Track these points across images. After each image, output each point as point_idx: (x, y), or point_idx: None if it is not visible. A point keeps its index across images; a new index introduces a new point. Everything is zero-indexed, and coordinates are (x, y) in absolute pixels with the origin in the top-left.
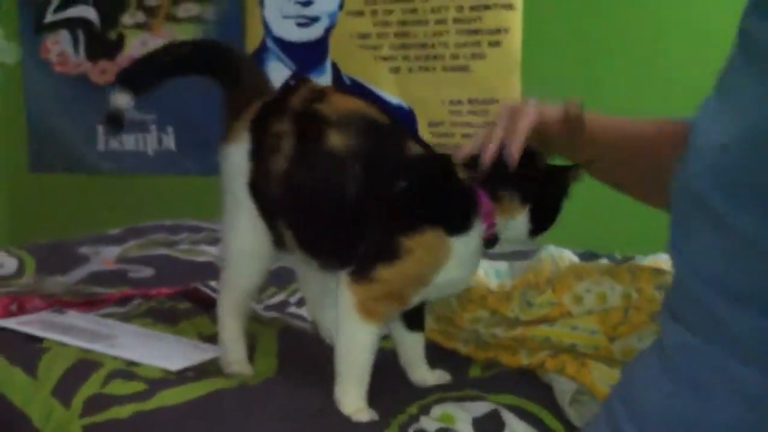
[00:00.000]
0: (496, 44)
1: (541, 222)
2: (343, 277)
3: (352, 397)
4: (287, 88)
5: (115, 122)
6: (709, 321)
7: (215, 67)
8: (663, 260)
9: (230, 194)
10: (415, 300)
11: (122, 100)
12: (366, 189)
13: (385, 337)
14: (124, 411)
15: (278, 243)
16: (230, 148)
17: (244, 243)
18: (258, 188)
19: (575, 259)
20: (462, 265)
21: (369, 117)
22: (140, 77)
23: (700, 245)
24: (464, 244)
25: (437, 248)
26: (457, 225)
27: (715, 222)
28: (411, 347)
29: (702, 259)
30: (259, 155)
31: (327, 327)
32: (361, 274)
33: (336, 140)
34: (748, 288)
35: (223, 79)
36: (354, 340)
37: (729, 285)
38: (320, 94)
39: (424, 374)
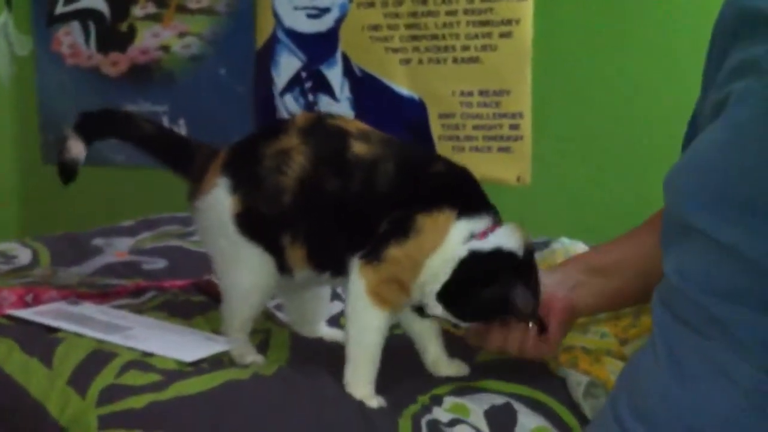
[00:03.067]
0: (507, 35)
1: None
2: (355, 262)
3: (360, 383)
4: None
5: (69, 173)
6: (705, 319)
7: (171, 159)
8: None
9: (221, 239)
10: (413, 293)
11: (77, 149)
12: (395, 183)
13: (396, 325)
14: (140, 401)
15: (282, 267)
16: (205, 197)
17: (250, 277)
18: (253, 213)
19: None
20: (443, 261)
21: (381, 133)
22: (98, 130)
23: (689, 255)
24: (455, 235)
25: (441, 230)
26: (469, 207)
27: (702, 236)
28: (421, 333)
29: (693, 267)
30: (248, 183)
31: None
32: (373, 255)
33: (361, 147)
34: (736, 289)
35: (175, 167)
36: (364, 325)
37: (719, 287)
38: (324, 115)
39: (438, 360)
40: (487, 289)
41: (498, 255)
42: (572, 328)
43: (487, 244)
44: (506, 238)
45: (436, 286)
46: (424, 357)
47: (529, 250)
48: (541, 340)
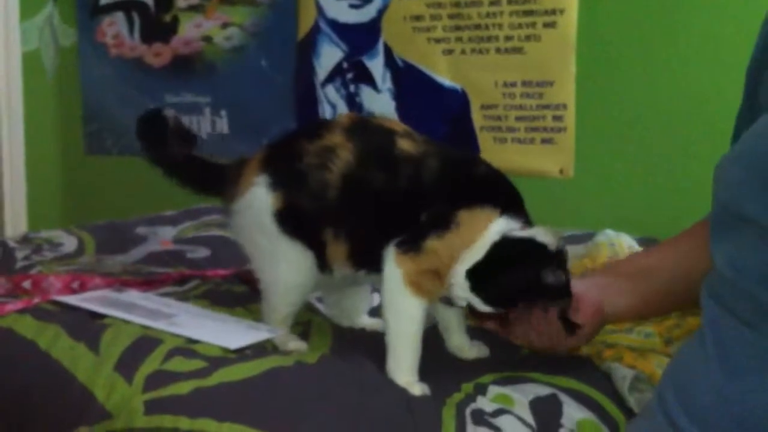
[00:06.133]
0: (551, 25)
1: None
2: (392, 251)
3: (403, 370)
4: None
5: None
6: (756, 310)
7: (208, 187)
8: None
9: (260, 236)
10: (447, 282)
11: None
12: (440, 180)
13: None
14: (185, 387)
15: (322, 265)
16: (243, 197)
17: (289, 274)
18: (294, 210)
19: (634, 244)
20: (478, 248)
21: (424, 135)
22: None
23: (741, 245)
24: (495, 228)
25: (482, 224)
26: (510, 209)
27: (754, 226)
28: (445, 317)
29: (745, 257)
30: (290, 180)
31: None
32: (412, 245)
33: (407, 144)
34: None
35: (210, 192)
36: (403, 314)
37: None
38: (368, 116)
39: (461, 344)
40: (517, 269)
41: (530, 242)
42: (614, 328)
43: (521, 233)
44: (541, 234)
45: (466, 266)
46: (447, 339)
47: (562, 249)
48: (569, 334)
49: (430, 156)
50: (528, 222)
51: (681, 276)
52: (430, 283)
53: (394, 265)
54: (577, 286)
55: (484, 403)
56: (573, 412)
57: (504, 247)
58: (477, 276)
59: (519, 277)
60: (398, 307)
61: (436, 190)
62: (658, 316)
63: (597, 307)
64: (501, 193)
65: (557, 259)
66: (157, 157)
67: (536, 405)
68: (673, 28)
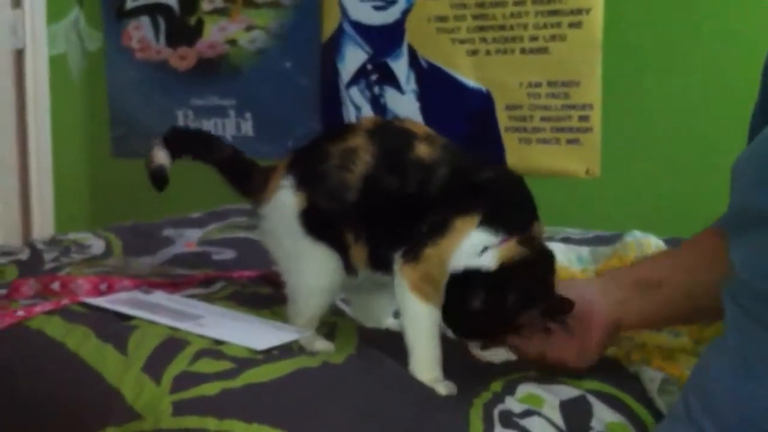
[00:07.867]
0: (576, 25)
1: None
2: (397, 260)
3: (425, 368)
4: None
5: (159, 179)
6: None
7: (238, 179)
8: None
9: (286, 239)
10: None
11: (160, 157)
12: (445, 186)
13: None
14: (212, 388)
15: (347, 267)
16: (270, 201)
17: (316, 277)
18: (318, 210)
19: (662, 245)
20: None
21: (446, 139)
22: (184, 147)
23: (759, 245)
24: (468, 246)
25: (466, 232)
26: (495, 218)
27: None
28: None
29: (762, 258)
30: (314, 180)
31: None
32: (412, 254)
33: (424, 150)
34: None
35: (238, 186)
36: (416, 315)
37: None
38: (392, 119)
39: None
40: (459, 304)
41: (467, 275)
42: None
43: (461, 264)
44: (487, 257)
45: None
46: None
47: (509, 266)
48: (581, 350)
49: (441, 162)
50: (514, 231)
51: (689, 291)
52: (431, 290)
53: (400, 276)
54: (588, 295)
55: (513, 404)
56: (603, 415)
57: (450, 287)
58: (444, 316)
59: (466, 311)
60: (409, 312)
61: (440, 197)
62: (664, 327)
63: (614, 322)
64: (495, 200)
65: (496, 277)
66: (212, 156)
67: (566, 407)
68: (699, 26)
